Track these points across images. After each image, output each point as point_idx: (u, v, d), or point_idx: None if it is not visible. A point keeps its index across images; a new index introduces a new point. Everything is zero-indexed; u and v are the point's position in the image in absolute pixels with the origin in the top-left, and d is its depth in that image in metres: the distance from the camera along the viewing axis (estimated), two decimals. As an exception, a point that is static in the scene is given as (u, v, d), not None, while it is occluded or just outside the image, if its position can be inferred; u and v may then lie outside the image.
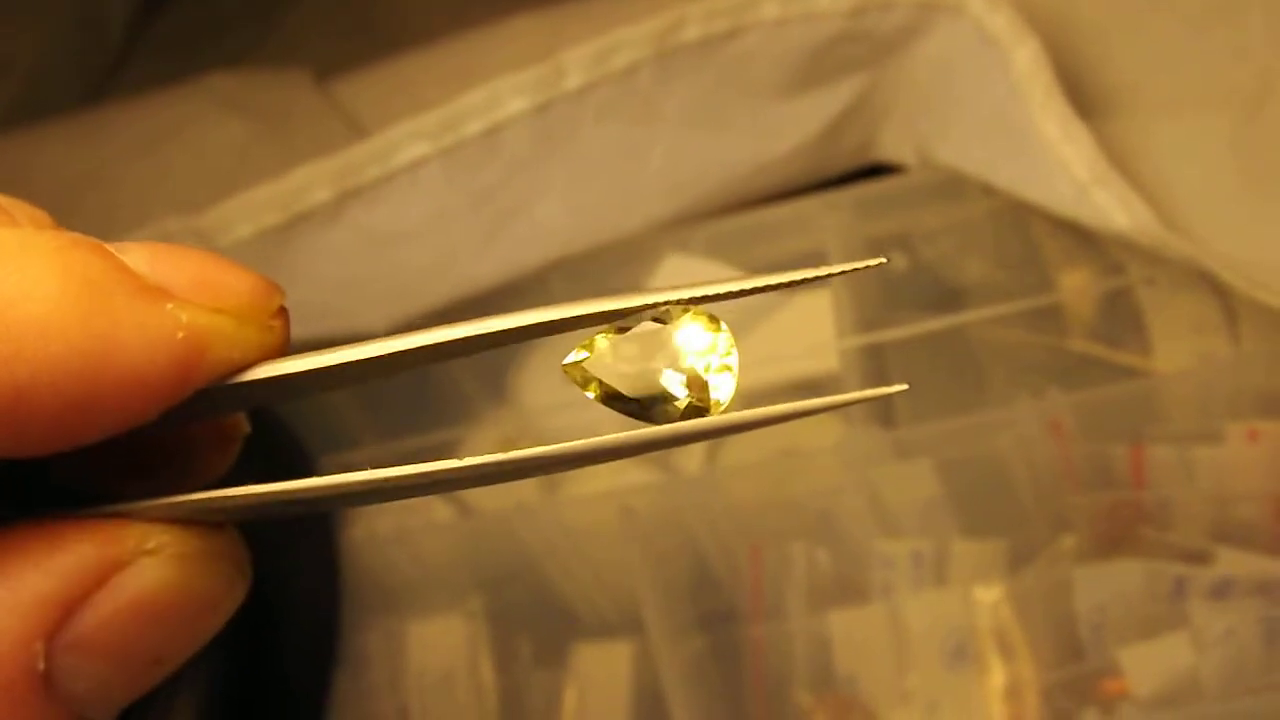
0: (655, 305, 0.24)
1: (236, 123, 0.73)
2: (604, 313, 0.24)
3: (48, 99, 0.86)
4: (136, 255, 0.23)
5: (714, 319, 0.24)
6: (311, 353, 0.24)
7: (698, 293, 0.24)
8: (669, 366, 0.24)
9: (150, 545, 0.24)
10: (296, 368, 0.24)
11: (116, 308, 0.22)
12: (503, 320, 0.24)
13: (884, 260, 0.25)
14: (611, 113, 0.64)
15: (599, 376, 0.25)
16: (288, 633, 0.60)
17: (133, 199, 0.69)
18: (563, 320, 0.24)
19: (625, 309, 0.24)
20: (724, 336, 0.24)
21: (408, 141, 0.62)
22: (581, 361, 0.25)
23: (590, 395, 0.25)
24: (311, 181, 0.61)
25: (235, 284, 0.24)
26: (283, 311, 0.24)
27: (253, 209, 0.61)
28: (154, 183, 0.69)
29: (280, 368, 0.24)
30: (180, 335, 0.22)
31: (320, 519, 0.63)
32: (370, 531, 0.63)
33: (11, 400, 0.21)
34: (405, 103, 0.65)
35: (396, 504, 0.64)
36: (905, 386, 0.24)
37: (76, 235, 0.23)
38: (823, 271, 0.24)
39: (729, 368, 0.24)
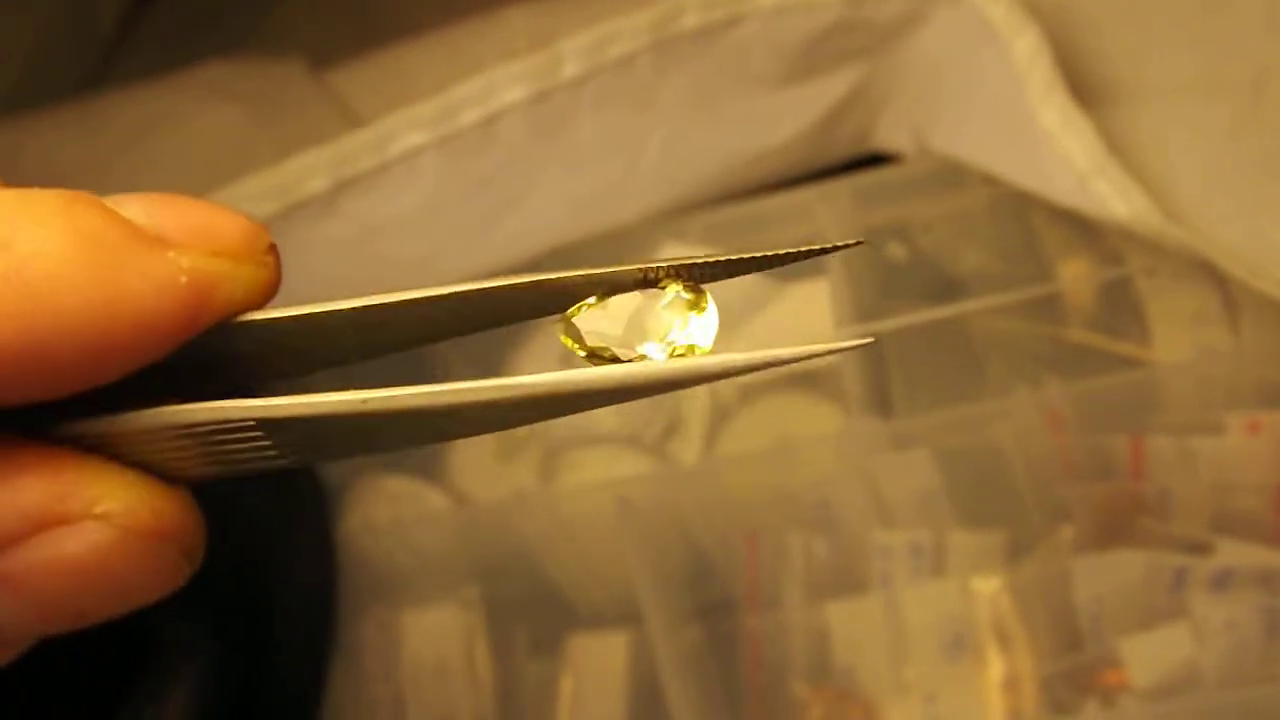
0: (645, 269, 0.25)
1: (231, 111, 0.73)
2: (592, 277, 0.25)
3: (41, 89, 0.85)
4: (134, 208, 0.24)
5: (699, 293, 0.24)
6: (309, 304, 0.25)
7: (684, 260, 0.25)
8: (652, 334, 0.25)
9: (99, 510, 0.24)
10: (293, 312, 0.25)
11: (122, 259, 0.23)
12: (500, 280, 0.25)
13: (862, 242, 0.26)
14: (609, 102, 0.64)
15: (585, 334, 0.25)
16: (284, 621, 0.60)
17: (126, 187, 0.69)
18: (555, 281, 0.25)
19: (615, 272, 0.25)
20: (709, 312, 0.24)
21: (404, 131, 0.62)
22: (571, 318, 0.25)
23: (580, 353, 0.25)
24: (307, 171, 0.61)
25: (228, 227, 0.25)
26: (273, 249, 0.25)
27: (248, 198, 0.61)
28: (148, 171, 0.68)
29: (279, 311, 0.25)
30: (183, 280, 0.23)
31: (316, 506, 0.63)
32: (366, 521, 0.63)
33: (34, 351, 0.22)
34: (401, 92, 0.64)
35: (392, 494, 0.64)
36: (872, 339, 0.25)
37: (76, 191, 0.23)
38: (804, 249, 0.25)
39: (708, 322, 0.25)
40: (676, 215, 0.67)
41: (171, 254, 0.24)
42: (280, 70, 0.76)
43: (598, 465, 0.63)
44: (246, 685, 0.57)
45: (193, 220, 0.24)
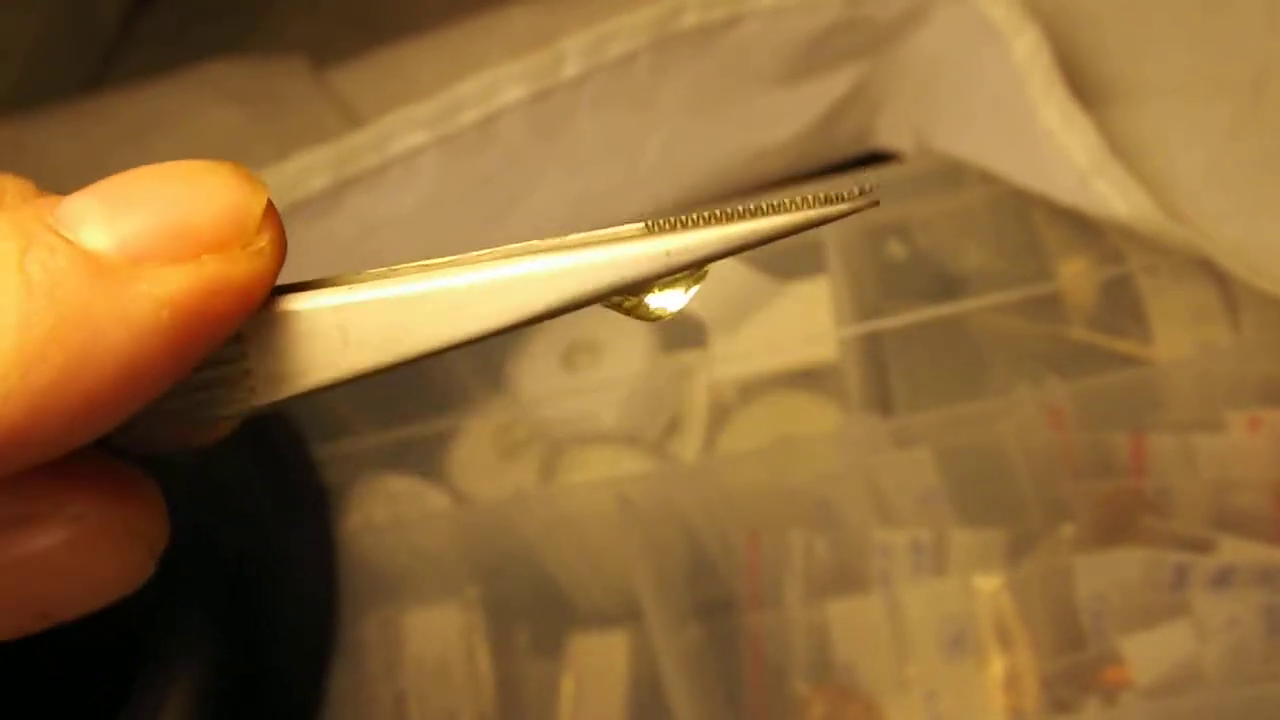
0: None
1: (232, 110, 0.73)
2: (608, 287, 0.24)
3: (42, 87, 0.85)
4: (95, 224, 0.21)
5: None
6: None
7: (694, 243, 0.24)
8: None
9: (70, 510, 0.23)
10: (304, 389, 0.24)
11: (93, 313, 0.21)
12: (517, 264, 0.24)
13: (876, 203, 0.25)
14: (609, 101, 0.64)
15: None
16: (284, 621, 0.60)
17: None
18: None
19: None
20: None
21: (405, 129, 0.62)
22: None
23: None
24: (308, 169, 0.61)
25: (206, 212, 0.22)
26: (268, 218, 0.23)
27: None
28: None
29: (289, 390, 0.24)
30: (165, 315, 0.21)
31: (317, 506, 0.63)
32: (367, 521, 0.63)
33: (8, 435, 0.20)
34: (402, 91, 0.64)
35: (393, 493, 0.64)
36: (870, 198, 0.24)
37: (27, 219, 0.21)
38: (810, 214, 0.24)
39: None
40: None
41: (144, 285, 0.21)
42: (281, 69, 0.76)
43: (598, 464, 0.63)
44: (247, 685, 0.57)
45: (165, 218, 0.22)
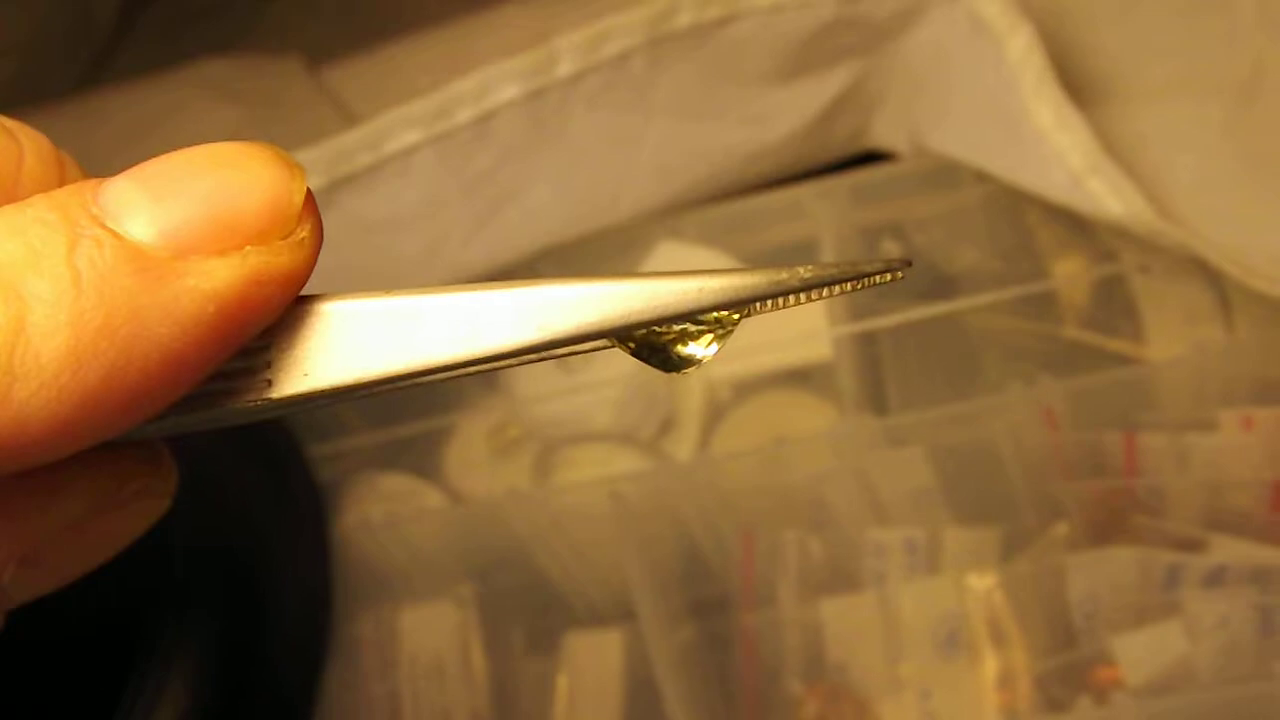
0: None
1: (227, 109, 0.73)
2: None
3: (38, 85, 0.85)
4: (139, 214, 0.22)
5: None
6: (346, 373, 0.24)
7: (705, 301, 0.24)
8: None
9: (132, 488, 0.25)
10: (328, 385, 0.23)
11: (141, 308, 0.21)
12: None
13: (910, 263, 0.25)
14: (604, 100, 0.64)
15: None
16: (280, 619, 0.60)
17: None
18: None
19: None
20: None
21: (399, 128, 0.62)
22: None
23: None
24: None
25: (249, 202, 0.22)
26: (308, 208, 0.23)
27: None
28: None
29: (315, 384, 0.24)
30: (211, 309, 0.21)
31: (312, 505, 0.63)
32: (362, 519, 0.63)
33: (62, 429, 0.21)
34: (397, 89, 0.64)
35: (388, 492, 0.64)
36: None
37: (67, 209, 0.21)
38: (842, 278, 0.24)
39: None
40: (672, 213, 0.67)
41: (191, 280, 0.21)
42: (277, 68, 0.76)
43: (593, 462, 0.63)
44: (242, 683, 0.57)
45: (209, 208, 0.22)
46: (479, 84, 0.62)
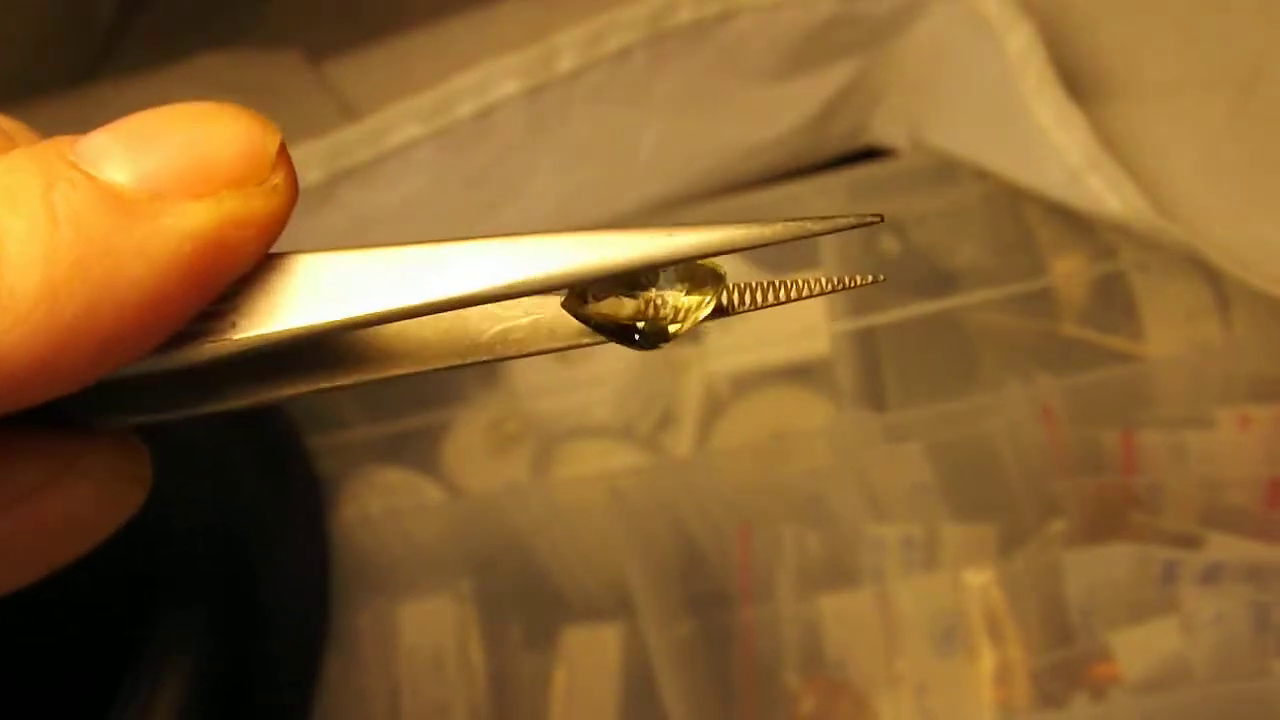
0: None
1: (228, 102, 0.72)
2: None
3: (39, 79, 0.85)
4: (116, 161, 0.22)
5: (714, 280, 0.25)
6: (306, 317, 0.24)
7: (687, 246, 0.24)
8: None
9: (80, 466, 0.24)
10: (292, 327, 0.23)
11: (116, 246, 0.21)
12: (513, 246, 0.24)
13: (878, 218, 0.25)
14: (604, 95, 0.64)
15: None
16: (278, 613, 0.60)
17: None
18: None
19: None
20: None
21: (400, 123, 0.62)
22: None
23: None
24: (303, 162, 0.61)
25: (224, 150, 0.22)
26: (281, 157, 0.23)
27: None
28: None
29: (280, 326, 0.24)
30: (187, 248, 0.22)
31: (310, 498, 0.63)
32: (360, 513, 0.63)
33: (38, 367, 0.21)
34: (397, 84, 0.64)
35: (386, 485, 0.64)
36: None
37: (51, 156, 0.22)
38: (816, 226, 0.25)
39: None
40: (671, 209, 0.67)
41: (167, 220, 0.22)
42: (277, 62, 0.76)
43: (591, 457, 0.63)
44: (240, 677, 0.57)
45: (185, 154, 0.22)
46: (480, 79, 0.62)
